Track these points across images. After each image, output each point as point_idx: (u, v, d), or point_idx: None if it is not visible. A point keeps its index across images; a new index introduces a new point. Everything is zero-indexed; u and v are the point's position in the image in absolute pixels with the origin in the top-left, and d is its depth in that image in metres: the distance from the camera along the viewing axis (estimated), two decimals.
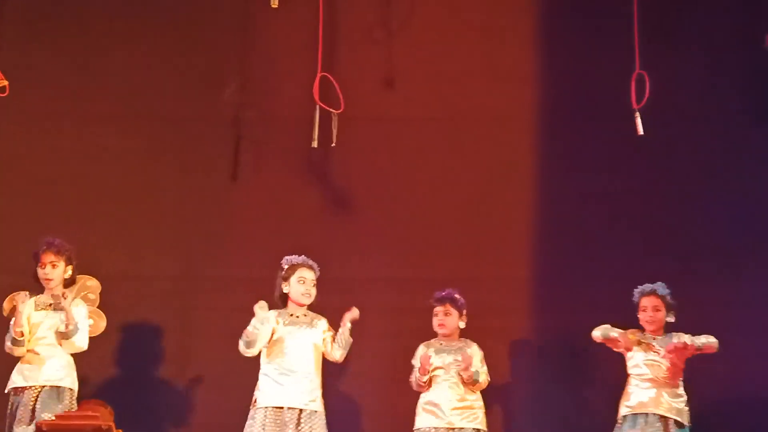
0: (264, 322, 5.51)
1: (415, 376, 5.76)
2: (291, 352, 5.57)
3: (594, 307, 6.03)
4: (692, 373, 5.68)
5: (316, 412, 5.53)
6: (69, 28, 6.69)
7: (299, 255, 5.75)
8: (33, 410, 5.48)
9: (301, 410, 5.50)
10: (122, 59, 6.65)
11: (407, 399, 5.85)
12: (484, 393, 5.90)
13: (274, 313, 5.61)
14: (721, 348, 5.63)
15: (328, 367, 6.10)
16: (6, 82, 5.92)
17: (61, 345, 5.57)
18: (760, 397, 6.14)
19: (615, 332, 5.65)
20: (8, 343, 5.55)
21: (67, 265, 5.67)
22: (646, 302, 5.71)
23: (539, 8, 6.63)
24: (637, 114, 5.70)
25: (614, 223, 6.42)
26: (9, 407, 5.54)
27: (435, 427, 5.68)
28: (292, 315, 5.62)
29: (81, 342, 5.60)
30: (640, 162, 6.40)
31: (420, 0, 6.64)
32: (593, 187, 6.46)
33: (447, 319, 5.79)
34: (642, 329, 5.72)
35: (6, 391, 5.55)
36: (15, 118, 6.47)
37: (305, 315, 5.65)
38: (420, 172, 6.60)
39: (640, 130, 5.71)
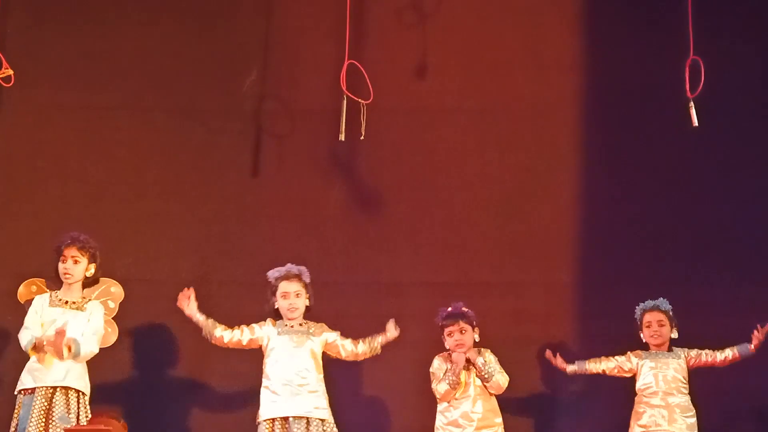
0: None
1: (445, 380, 5.63)
2: (287, 362, 5.57)
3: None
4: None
5: (323, 420, 5.48)
6: (78, 14, 6.62)
7: (284, 265, 5.69)
8: (46, 413, 5.38)
9: (308, 420, 5.47)
10: (135, 47, 6.59)
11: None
12: (525, 401, 5.89)
13: (269, 324, 5.65)
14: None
15: (357, 376, 6.12)
16: (11, 72, 5.80)
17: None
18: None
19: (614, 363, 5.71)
20: (24, 343, 5.48)
21: (90, 262, 5.59)
22: (650, 318, 5.73)
23: None
24: (692, 104, 5.48)
25: (664, 223, 6.29)
26: (16, 408, 5.45)
27: None
28: (286, 325, 5.62)
29: (88, 349, 5.51)
30: (693, 156, 6.26)
31: None
32: (642, 184, 6.32)
33: (464, 337, 5.66)
34: (645, 348, 5.74)
35: (15, 393, 5.47)
36: (21, 110, 6.41)
37: (301, 324, 5.64)
38: (454, 168, 6.47)
39: (695, 121, 5.49)
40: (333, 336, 5.67)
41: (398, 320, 5.86)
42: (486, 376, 5.65)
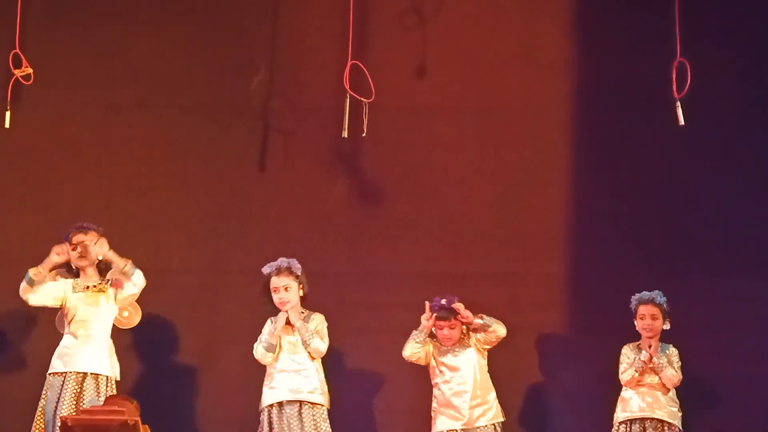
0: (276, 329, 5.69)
1: (411, 340, 5.68)
2: (284, 351, 5.62)
3: (629, 304, 5.85)
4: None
5: (315, 404, 5.55)
6: (94, 15, 6.61)
7: (288, 256, 5.71)
8: (77, 396, 5.45)
9: (301, 403, 5.53)
10: (148, 47, 6.58)
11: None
12: (517, 388, 5.94)
13: (269, 324, 5.71)
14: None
15: (357, 361, 6.20)
16: (31, 70, 5.83)
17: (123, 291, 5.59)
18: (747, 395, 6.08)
19: (635, 368, 5.65)
20: (24, 283, 5.56)
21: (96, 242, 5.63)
22: (644, 311, 5.72)
23: None
24: (678, 103, 5.44)
25: (653, 217, 6.27)
26: (45, 389, 5.51)
27: (451, 429, 5.61)
28: (284, 308, 5.66)
29: (139, 278, 5.63)
30: (680, 153, 6.23)
31: None
32: (631, 180, 6.30)
33: (453, 332, 5.68)
34: (638, 338, 5.73)
35: (48, 374, 5.54)
36: (40, 107, 6.39)
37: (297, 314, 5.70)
38: (452, 164, 6.47)
39: (681, 120, 5.46)
40: (313, 325, 5.63)
41: (397, 308, 6.01)
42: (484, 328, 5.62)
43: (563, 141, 6.37)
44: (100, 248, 5.58)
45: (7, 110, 5.85)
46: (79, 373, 5.47)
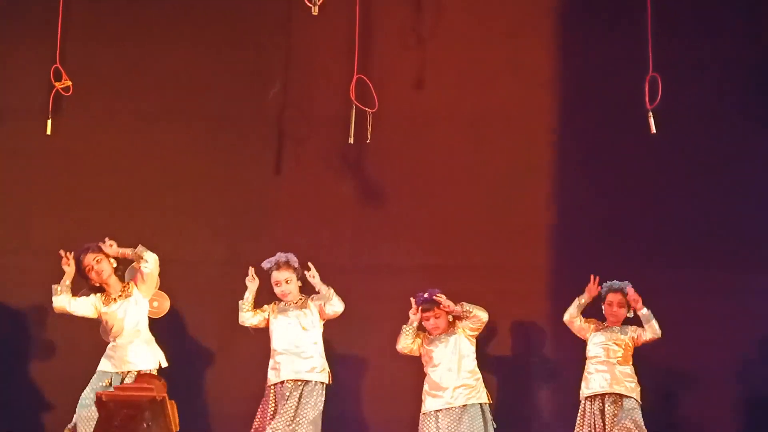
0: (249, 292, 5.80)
1: (403, 334, 5.80)
2: (281, 335, 5.73)
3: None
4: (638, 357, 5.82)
5: (309, 382, 5.64)
6: (126, 34, 6.73)
7: (298, 249, 5.83)
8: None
9: (297, 381, 5.63)
10: (176, 63, 6.70)
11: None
12: (502, 371, 6.03)
13: (268, 307, 5.82)
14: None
15: (359, 345, 6.32)
16: (70, 83, 5.99)
17: (141, 276, 5.66)
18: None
19: (582, 323, 5.81)
20: (54, 298, 5.65)
21: (107, 256, 5.69)
22: (612, 298, 5.82)
23: (559, 16, 6.56)
24: (650, 114, 5.65)
25: (626, 215, 6.39)
26: (92, 386, 5.62)
27: (438, 410, 5.69)
28: (282, 303, 5.80)
29: (151, 257, 5.68)
30: (651, 158, 6.34)
31: (448, 8, 6.61)
32: (607, 182, 6.42)
33: (438, 321, 5.79)
34: (602, 320, 5.85)
35: (98, 370, 5.68)
36: (79, 115, 6.50)
37: (295, 303, 5.78)
38: (447, 167, 6.58)
39: (653, 129, 5.67)
40: (316, 302, 5.74)
41: (397, 297, 6.04)
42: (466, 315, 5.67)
43: (547, 147, 6.46)
44: (110, 248, 5.65)
45: (49, 119, 6.01)
46: (125, 372, 5.61)
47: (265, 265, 5.79)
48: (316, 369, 5.67)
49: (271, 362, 5.75)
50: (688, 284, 6.15)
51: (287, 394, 5.62)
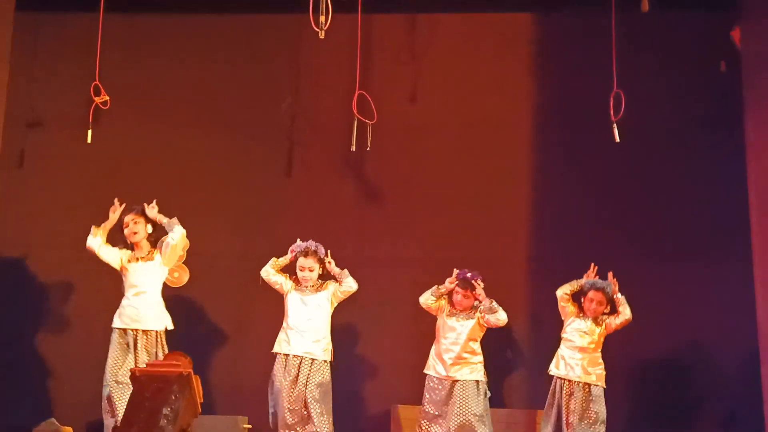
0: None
1: (430, 291, 5.84)
2: (294, 312, 5.84)
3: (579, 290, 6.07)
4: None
5: (314, 360, 5.75)
6: (157, 55, 6.94)
7: (306, 241, 5.87)
8: (134, 348, 5.75)
9: (305, 358, 5.75)
10: (199, 79, 6.89)
11: (427, 352, 6.08)
12: (488, 353, 6.01)
13: (290, 284, 5.92)
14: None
15: (367, 329, 6.49)
16: (107, 97, 6.16)
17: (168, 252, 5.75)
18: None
19: (569, 306, 5.91)
20: (90, 236, 5.75)
21: (147, 222, 5.80)
22: (593, 296, 5.88)
23: (536, 39, 6.75)
24: (615, 125, 5.82)
25: (595, 213, 6.59)
26: (111, 339, 5.79)
27: (439, 377, 5.82)
28: (300, 284, 5.91)
29: (177, 233, 5.80)
30: (616, 163, 6.54)
31: (439, 30, 6.79)
32: (580, 183, 6.62)
33: (465, 300, 5.90)
34: (581, 309, 5.95)
35: (112, 326, 5.79)
36: (114, 125, 6.65)
37: (312, 286, 5.88)
38: (438, 171, 6.76)
39: (617, 138, 5.85)
40: (332, 287, 5.86)
41: (395, 286, 6.35)
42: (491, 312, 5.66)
43: (527, 152, 6.66)
44: (151, 210, 5.79)
45: (89, 129, 6.13)
46: (134, 330, 5.71)
47: (296, 247, 5.86)
48: (322, 347, 5.80)
49: (282, 334, 5.83)
50: (652, 274, 6.31)
51: (294, 369, 5.70)
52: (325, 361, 5.81)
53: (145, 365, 5.47)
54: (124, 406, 5.18)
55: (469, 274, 5.87)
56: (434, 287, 5.87)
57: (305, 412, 5.69)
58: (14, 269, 6.64)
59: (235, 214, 6.73)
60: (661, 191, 6.58)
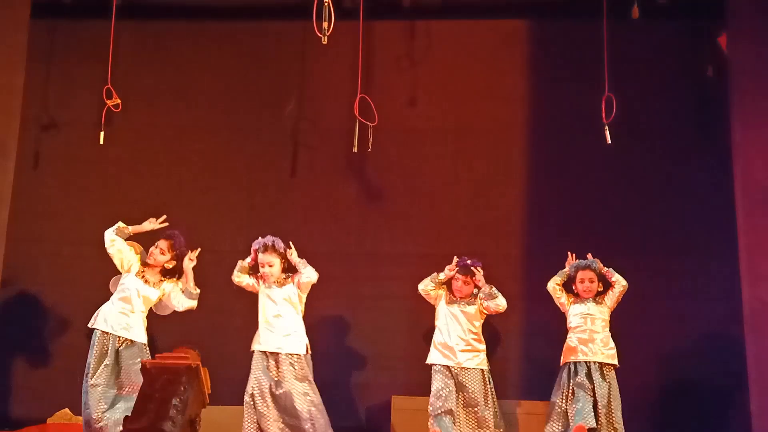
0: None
1: (430, 278, 5.83)
2: (263, 309, 5.82)
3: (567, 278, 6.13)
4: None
5: (290, 354, 5.69)
6: (167, 60, 7.02)
7: (265, 236, 5.80)
8: (116, 355, 5.67)
9: (278, 354, 5.70)
10: (207, 83, 6.98)
11: (426, 344, 6.17)
12: (486, 347, 5.99)
13: (261, 283, 5.84)
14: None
15: (364, 321, 6.51)
16: (119, 101, 6.26)
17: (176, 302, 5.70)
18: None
19: (564, 295, 5.94)
20: (113, 229, 5.66)
21: (172, 259, 5.75)
22: (583, 275, 5.88)
23: (530, 45, 6.84)
24: (606, 127, 5.95)
25: (586, 211, 6.67)
26: (93, 340, 5.66)
27: (445, 365, 5.82)
28: (268, 280, 5.85)
29: (186, 304, 5.81)
30: (608, 164, 6.65)
31: (437, 38, 6.88)
32: (571, 184, 6.71)
33: (465, 287, 5.92)
34: (576, 296, 5.94)
35: (90, 326, 5.67)
36: (126, 128, 6.79)
37: (276, 281, 5.80)
38: (435, 172, 6.84)
39: (608, 140, 5.97)
40: (296, 279, 5.73)
41: (394, 281, 6.41)
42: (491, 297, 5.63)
43: (520, 154, 6.74)
44: (189, 261, 5.60)
45: (102, 131, 6.23)
46: (121, 338, 5.58)
47: (254, 246, 5.78)
48: (294, 341, 5.71)
49: (257, 332, 5.81)
50: (638, 268, 6.32)
51: (273, 368, 5.64)
52: (298, 355, 5.72)
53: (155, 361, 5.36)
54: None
55: (468, 261, 5.88)
56: (434, 274, 5.88)
57: (294, 421, 5.62)
58: (31, 267, 6.71)
59: (243, 212, 6.80)
60: (651, 191, 6.65)
